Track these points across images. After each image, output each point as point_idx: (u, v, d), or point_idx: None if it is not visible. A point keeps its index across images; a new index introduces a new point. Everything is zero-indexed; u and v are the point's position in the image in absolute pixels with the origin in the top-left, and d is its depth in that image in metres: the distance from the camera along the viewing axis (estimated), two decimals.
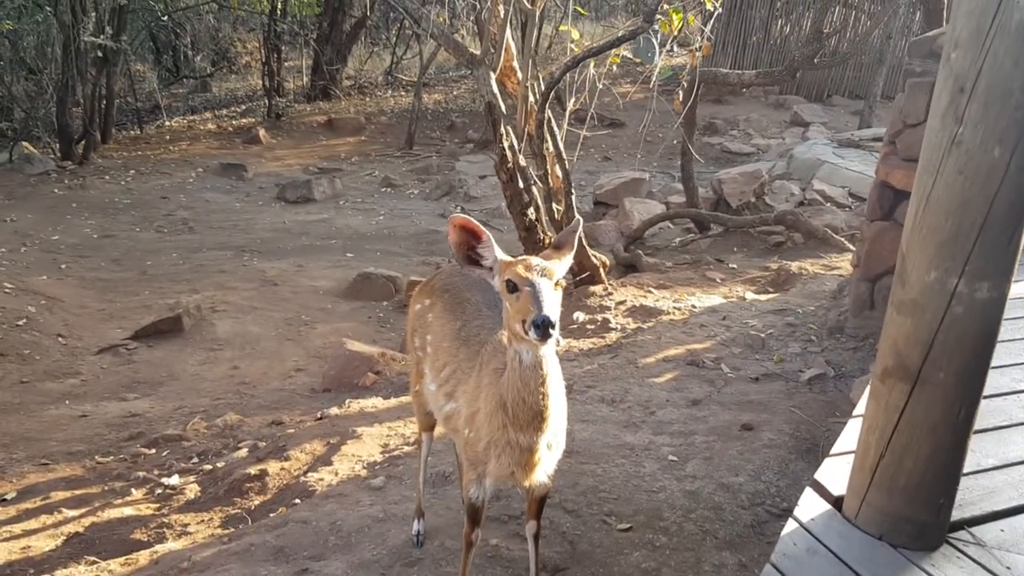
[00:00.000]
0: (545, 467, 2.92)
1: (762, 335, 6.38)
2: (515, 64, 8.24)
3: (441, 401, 3.27)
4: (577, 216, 2.98)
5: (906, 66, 5.89)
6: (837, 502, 2.75)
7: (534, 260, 2.58)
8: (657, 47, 8.19)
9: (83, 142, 17.03)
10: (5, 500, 5.53)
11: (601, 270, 8.31)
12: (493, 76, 7.77)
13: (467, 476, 3.09)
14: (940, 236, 2.38)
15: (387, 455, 5.13)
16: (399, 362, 7.54)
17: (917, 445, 2.49)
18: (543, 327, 2.38)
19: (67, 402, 7.37)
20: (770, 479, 4.30)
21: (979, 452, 3.05)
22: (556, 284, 2.54)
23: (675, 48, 9.78)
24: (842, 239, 9.54)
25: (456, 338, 3.31)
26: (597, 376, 5.95)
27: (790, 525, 2.66)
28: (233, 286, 10.47)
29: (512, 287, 2.55)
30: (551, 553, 3.73)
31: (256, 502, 4.97)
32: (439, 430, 3.83)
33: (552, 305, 2.45)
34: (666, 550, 3.74)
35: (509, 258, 2.67)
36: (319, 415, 6.33)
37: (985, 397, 2.58)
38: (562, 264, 2.64)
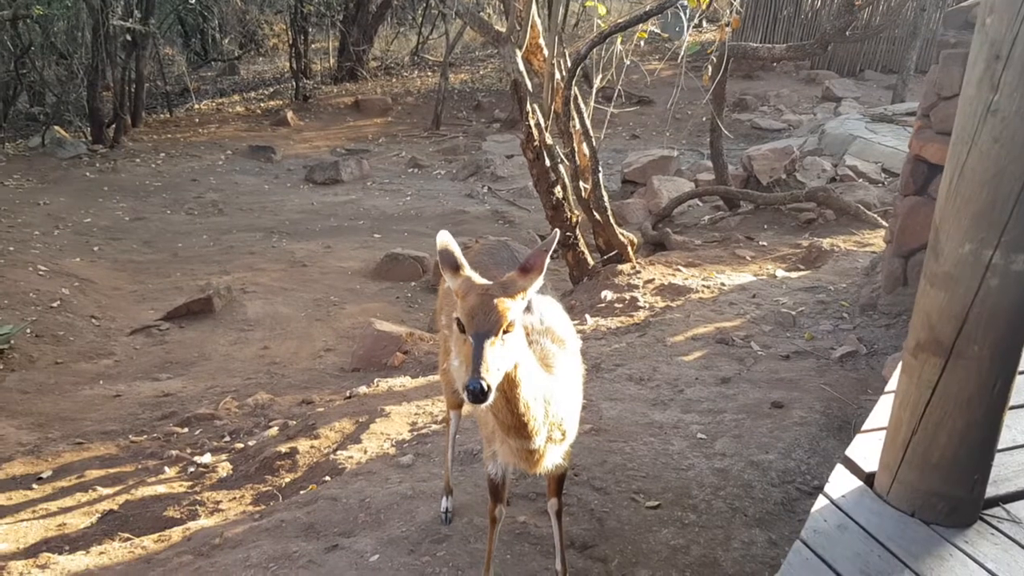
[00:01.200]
0: (549, 460, 2.89)
1: (793, 313, 6.31)
2: (541, 41, 8.17)
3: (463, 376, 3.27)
4: (554, 231, 2.79)
5: (940, 37, 5.75)
6: (868, 479, 2.71)
7: (487, 302, 2.39)
8: (685, 22, 8.08)
9: (114, 126, 17.21)
10: (41, 479, 5.64)
11: (629, 248, 8.26)
12: (519, 54, 7.71)
13: (485, 452, 3.11)
14: (975, 207, 2.32)
15: (415, 433, 5.15)
16: (427, 342, 7.56)
17: (951, 420, 2.44)
18: (474, 394, 2.26)
19: (101, 382, 7.48)
20: (801, 457, 4.27)
21: (1015, 428, 2.99)
22: (508, 327, 2.38)
23: (703, 23, 9.64)
24: (875, 215, 9.40)
25: None
26: (625, 354, 5.93)
27: (820, 502, 2.62)
28: (262, 267, 10.56)
29: (460, 325, 2.43)
30: (579, 530, 3.73)
31: (287, 480, 5.02)
32: (467, 408, 3.84)
33: (492, 363, 2.31)
34: (695, 527, 3.73)
35: (473, 279, 2.52)
36: (348, 394, 6.37)
37: (1022, 372, 2.53)
38: (527, 293, 2.48)
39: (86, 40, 17.20)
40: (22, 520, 5.05)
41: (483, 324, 2.36)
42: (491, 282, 2.53)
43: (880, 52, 20.77)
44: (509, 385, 2.51)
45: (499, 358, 2.35)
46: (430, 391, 5.92)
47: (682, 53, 8.10)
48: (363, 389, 6.35)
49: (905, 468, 2.55)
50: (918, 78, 17.00)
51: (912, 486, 2.56)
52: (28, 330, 8.15)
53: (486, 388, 2.26)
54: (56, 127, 16.71)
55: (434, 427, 5.16)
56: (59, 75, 18.44)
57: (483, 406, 2.38)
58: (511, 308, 2.40)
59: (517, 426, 2.65)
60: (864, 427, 2.99)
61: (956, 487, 2.52)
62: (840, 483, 2.72)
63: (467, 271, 2.56)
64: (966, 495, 2.54)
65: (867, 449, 2.82)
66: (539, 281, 2.52)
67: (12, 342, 7.79)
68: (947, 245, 2.39)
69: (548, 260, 2.55)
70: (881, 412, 3.02)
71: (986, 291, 2.33)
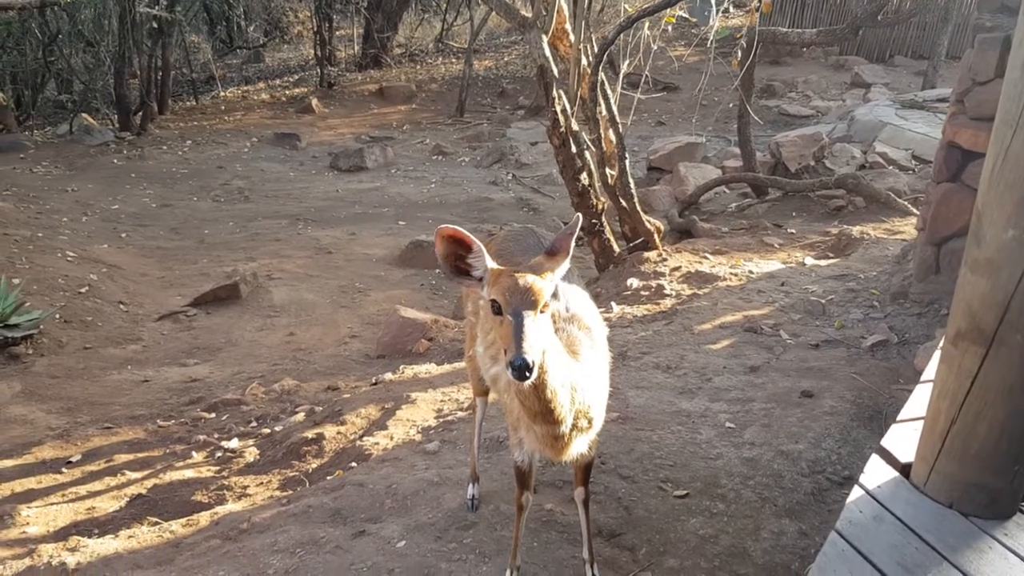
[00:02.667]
0: (576, 448, 2.85)
1: (822, 301, 6.23)
2: (567, 26, 8.10)
3: (487, 364, 3.25)
4: (576, 215, 2.76)
5: (975, 21, 5.68)
6: (904, 469, 2.67)
7: (522, 281, 2.40)
8: (713, 6, 7.98)
9: (140, 113, 17.34)
10: (70, 462, 5.69)
11: (655, 236, 8.19)
12: (545, 39, 7.65)
13: (511, 439, 3.09)
14: (1019, 192, 2.26)
15: (441, 420, 5.14)
16: (451, 329, 7.55)
17: (991, 410, 2.39)
18: (519, 370, 2.26)
19: (129, 367, 7.53)
20: (831, 447, 4.21)
21: None
22: (543, 307, 2.39)
23: (731, 8, 9.52)
24: (905, 203, 9.28)
25: None
26: (652, 342, 5.88)
27: (855, 492, 2.58)
28: (288, 254, 10.59)
29: (497, 309, 2.41)
30: (606, 518, 3.70)
31: (313, 465, 5.03)
32: (493, 395, 3.81)
33: (534, 340, 2.32)
34: (724, 517, 3.69)
35: (499, 267, 2.52)
36: (374, 380, 6.37)
37: None
38: (555, 275, 2.50)
39: (113, 28, 17.30)
40: (52, 503, 5.10)
41: (521, 302, 2.36)
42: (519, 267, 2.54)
43: (910, 37, 20.44)
44: (537, 370, 2.50)
45: (540, 334, 2.36)
46: (455, 378, 5.91)
47: (711, 38, 8.01)
48: (389, 376, 6.35)
49: (943, 459, 2.51)
50: (949, 64, 16.75)
51: (950, 477, 2.51)
52: (57, 315, 8.23)
53: (531, 363, 2.26)
54: (84, 114, 16.86)
55: (460, 414, 5.15)
56: (86, 63, 18.58)
57: (526, 383, 2.37)
58: (544, 288, 2.41)
59: (543, 412, 2.63)
60: (900, 417, 2.94)
61: (996, 478, 2.47)
62: (875, 473, 2.68)
63: (492, 264, 2.55)
64: (1006, 486, 2.49)
65: (903, 439, 2.77)
66: (566, 263, 2.55)
67: (41, 327, 7.87)
68: (989, 231, 2.33)
69: (574, 243, 2.57)
70: (917, 402, 2.97)
71: None
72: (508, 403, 3.01)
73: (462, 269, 2.55)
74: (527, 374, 2.27)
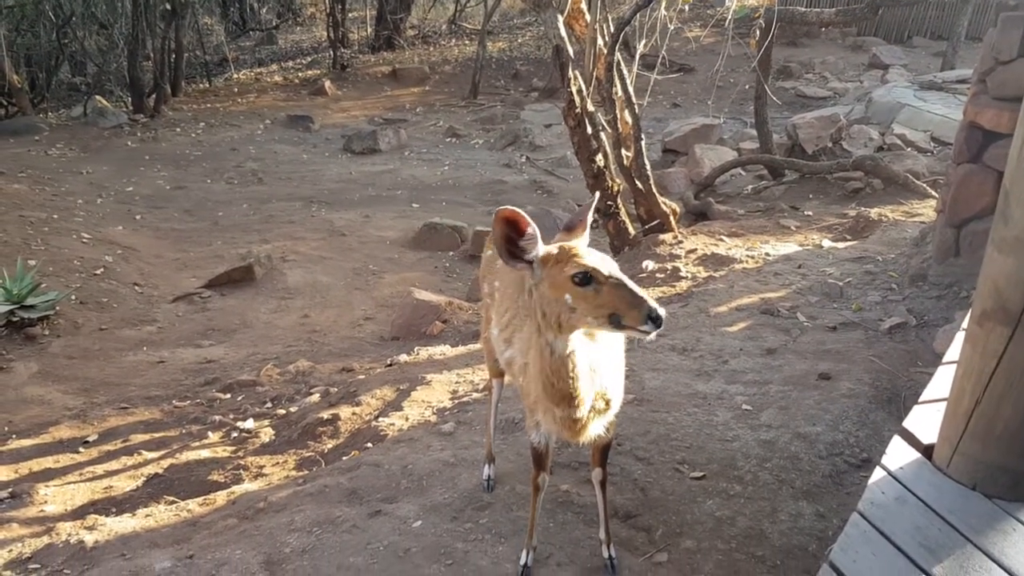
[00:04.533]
0: (593, 430, 2.85)
1: (840, 283, 6.18)
2: (583, 6, 8.02)
3: (502, 346, 3.24)
4: (595, 192, 2.78)
5: (998, 0, 5.56)
6: (927, 451, 2.63)
7: (598, 251, 2.47)
8: None
9: (154, 95, 17.38)
10: (87, 442, 5.72)
11: (671, 218, 8.14)
12: (561, 19, 7.58)
13: (528, 421, 3.08)
14: None
15: (456, 401, 5.13)
16: (465, 311, 7.53)
17: (1017, 391, 2.35)
18: (658, 320, 2.32)
19: (145, 348, 7.56)
20: (849, 429, 4.17)
21: None
22: None
23: None
24: (924, 185, 9.18)
25: (520, 286, 3.24)
26: (667, 325, 5.82)
27: (877, 473, 2.55)
28: (302, 236, 10.60)
29: (586, 280, 2.41)
30: (622, 500, 3.69)
31: (329, 445, 5.04)
32: (508, 377, 3.80)
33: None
34: (741, 499, 3.67)
35: (551, 248, 2.51)
36: (389, 362, 6.37)
37: None
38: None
39: (126, 10, 17.32)
40: (69, 482, 5.14)
41: (611, 266, 2.42)
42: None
43: (929, 18, 20.24)
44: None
45: None
46: (470, 359, 5.90)
47: (728, 18, 7.92)
48: (403, 357, 6.35)
49: (967, 440, 2.47)
50: (968, 45, 16.57)
51: (974, 458, 2.48)
52: (73, 297, 8.27)
53: (663, 312, 2.33)
54: (98, 97, 16.90)
55: (475, 395, 5.14)
56: (100, 45, 18.61)
57: (658, 332, 2.40)
58: None
59: (566, 394, 2.63)
60: (922, 398, 2.90)
61: (1020, 460, 2.44)
62: (897, 455, 2.65)
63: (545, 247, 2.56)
64: None
65: (925, 420, 2.74)
66: (585, 238, 2.61)
67: (57, 308, 7.90)
68: (1017, 209, 2.29)
69: (590, 218, 2.65)
70: (940, 383, 2.93)
71: None
72: (525, 385, 3.00)
73: (513, 252, 2.52)
74: (661, 321, 2.32)
